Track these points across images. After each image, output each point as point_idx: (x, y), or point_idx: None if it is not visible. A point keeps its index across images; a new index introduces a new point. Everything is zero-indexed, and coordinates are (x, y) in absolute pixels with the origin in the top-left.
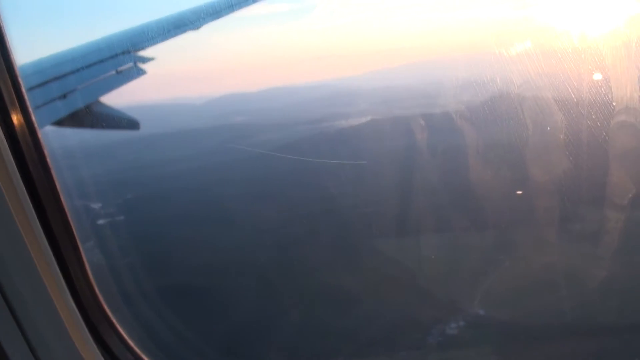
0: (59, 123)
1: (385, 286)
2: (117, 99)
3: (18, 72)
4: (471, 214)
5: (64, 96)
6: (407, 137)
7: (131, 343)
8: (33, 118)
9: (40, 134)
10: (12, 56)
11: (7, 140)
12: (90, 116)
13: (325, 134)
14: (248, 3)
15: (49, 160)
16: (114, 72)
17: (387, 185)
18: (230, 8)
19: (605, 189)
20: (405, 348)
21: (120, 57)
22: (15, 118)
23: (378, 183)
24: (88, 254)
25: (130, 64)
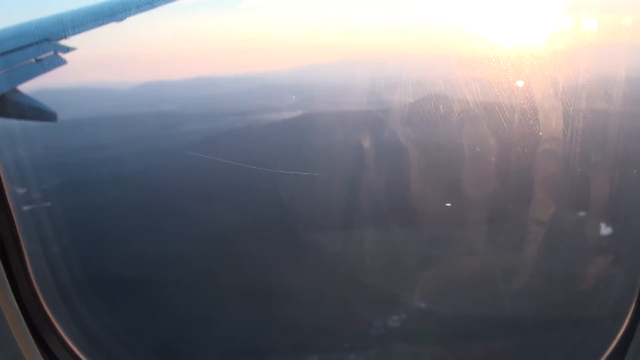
0: None
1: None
2: (36, 88)
3: None
4: (394, 214)
5: None
6: (336, 134)
7: (71, 344)
8: None
9: None
10: None
11: None
12: (6, 105)
13: (255, 126)
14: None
15: None
16: (33, 60)
17: (317, 181)
18: (156, 2)
19: (525, 191)
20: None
21: (40, 45)
22: None
23: (307, 180)
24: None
25: (51, 53)
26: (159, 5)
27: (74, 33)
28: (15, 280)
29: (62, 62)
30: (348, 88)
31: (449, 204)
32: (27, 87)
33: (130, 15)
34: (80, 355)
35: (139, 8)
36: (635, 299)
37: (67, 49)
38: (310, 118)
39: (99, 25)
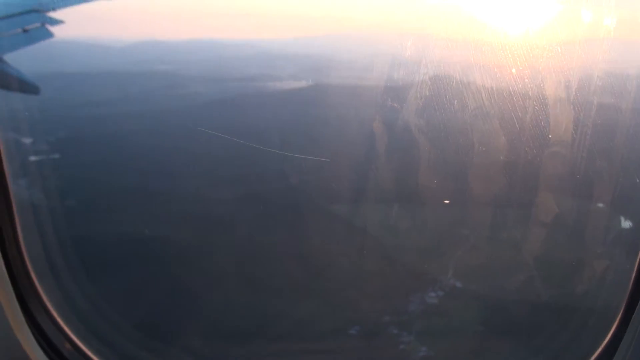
0: None
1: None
2: (22, 58)
3: None
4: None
5: None
6: (344, 107)
7: (61, 322)
8: None
9: None
10: None
11: None
12: None
13: (260, 94)
14: None
15: None
16: (20, 30)
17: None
18: None
19: (530, 180)
20: None
21: (27, 15)
22: None
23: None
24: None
25: (38, 24)
26: None
27: (63, 6)
28: (6, 252)
29: (50, 34)
30: (349, 62)
31: (447, 201)
32: (12, 58)
33: None
34: (71, 334)
35: None
36: (629, 292)
37: (55, 21)
38: (313, 90)
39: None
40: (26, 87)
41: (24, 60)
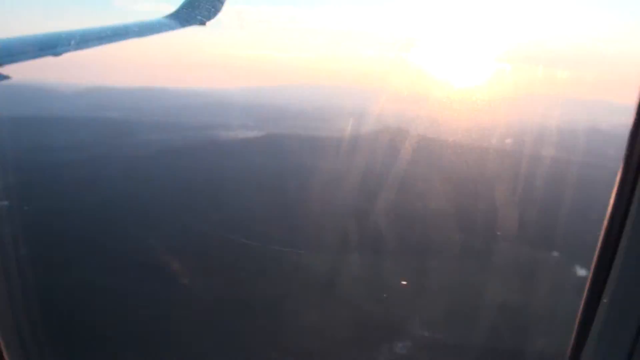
0: None
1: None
2: None
3: None
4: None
5: None
6: (290, 159)
7: None
8: None
9: None
10: None
11: None
12: None
13: (215, 143)
14: (120, 38)
15: None
16: None
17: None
18: (98, 40)
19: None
20: None
21: None
22: None
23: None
24: None
25: None
26: (100, 44)
27: (10, 62)
28: None
29: None
30: (299, 112)
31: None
32: None
33: (68, 50)
34: None
35: (78, 45)
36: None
37: (1, 77)
38: (265, 140)
39: (35, 57)
40: None
41: None
